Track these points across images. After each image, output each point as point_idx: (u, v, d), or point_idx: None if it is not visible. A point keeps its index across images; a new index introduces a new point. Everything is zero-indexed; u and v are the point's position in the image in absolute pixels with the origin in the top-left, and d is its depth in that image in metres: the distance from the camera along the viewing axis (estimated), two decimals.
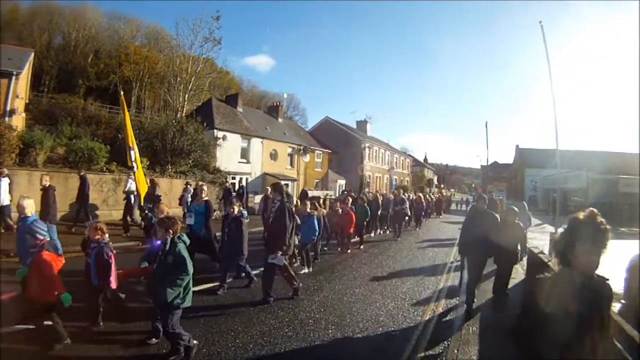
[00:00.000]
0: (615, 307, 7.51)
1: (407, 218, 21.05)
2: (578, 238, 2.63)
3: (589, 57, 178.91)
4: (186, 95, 37.69)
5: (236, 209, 9.01)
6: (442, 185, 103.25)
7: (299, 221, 10.07)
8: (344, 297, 8.67)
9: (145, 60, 42.29)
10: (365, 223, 15.98)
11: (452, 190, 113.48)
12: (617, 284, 8.32)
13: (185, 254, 5.19)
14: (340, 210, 14.27)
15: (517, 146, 58.39)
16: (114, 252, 6.25)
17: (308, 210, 11.15)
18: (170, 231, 5.32)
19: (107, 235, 6.28)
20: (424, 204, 25.64)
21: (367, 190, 35.03)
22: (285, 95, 65.25)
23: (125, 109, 14.01)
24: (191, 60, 38.16)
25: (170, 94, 37.80)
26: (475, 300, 8.16)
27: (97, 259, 6.00)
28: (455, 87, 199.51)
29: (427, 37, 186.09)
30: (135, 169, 13.07)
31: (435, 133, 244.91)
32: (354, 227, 14.29)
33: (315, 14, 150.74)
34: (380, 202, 19.15)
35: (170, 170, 22.04)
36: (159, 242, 8.59)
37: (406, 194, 24.58)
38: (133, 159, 13.11)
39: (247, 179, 31.96)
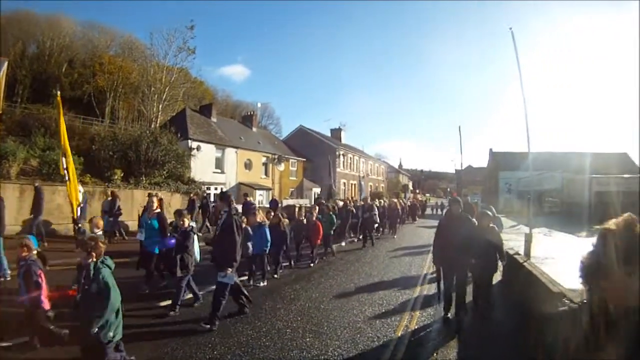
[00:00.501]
0: None
1: (376, 225, 19.99)
2: (611, 256, 1.89)
3: (561, 58, 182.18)
4: (160, 106, 37.60)
5: (186, 222, 8.48)
6: (417, 191, 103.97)
7: (250, 231, 10.16)
8: (321, 305, 8.66)
9: (120, 70, 41.60)
10: (332, 232, 15.39)
11: (428, 195, 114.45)
12: None
13: (110, 280, 4.74)
14: (305, 220, 13.90)
15: (490, 150, 59.11)
16: (43, 269, 5.89)
17: (258, 219, 10.74)
18: (93, 254, 4.89)
19: (34, 252, 5.93)
20: (399, 210, 25.21)
21: (336, 197, 34.94)
22: (259, 105, 65.15)
23: (61, 112, 13.64)
24: (165, 70, 38.11)
25: (145, 104, 37.69)
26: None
27: (25, 278, 5.71)
28: (430, 92, 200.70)
29: (404, 43, 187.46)
30: (66, 178, 12.59)
31: (410, 139, 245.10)
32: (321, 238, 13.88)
33: (291, 23, 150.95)
34: (352, 209, 18.95)
35: (144, 181, 21.96)
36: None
37: (379, 201, 24.39)
38: (65, 167, 12.62)
39: (221, 189, 31.83)
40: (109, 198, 16.14)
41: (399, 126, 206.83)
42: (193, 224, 10.08)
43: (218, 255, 7.37)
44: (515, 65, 14.85)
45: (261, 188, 36.04)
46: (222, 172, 33.65)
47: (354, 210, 19.12)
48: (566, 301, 5.07)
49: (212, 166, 32.41)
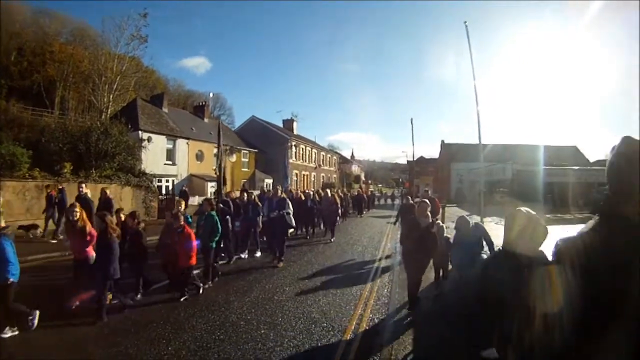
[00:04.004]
0: None
1: (291, 230, 14.31)
2: None
3: (514, 54, 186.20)
4: (111, 96, 36.90)
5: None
6: (369, 181, 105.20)
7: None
8: (274, 296, 8.67)
9: (70, 58, 40.55)
10: (214, 244, 9.78)
11: (380, 185, 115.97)
12: None
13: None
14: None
15: (442, 141, 60.95)
16: None
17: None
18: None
19: None
20: (337, 205, 19.00)
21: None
22: (211, 95, 64.89)
23: None
24: (117, 59, 37.37)
25: (95, 94, 37.01)
26: None
27: None
28: (383, 85, 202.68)
29: (359, 37, 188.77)
30: None
31: (362, 131, 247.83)
32: (194, 253, 8.65)
33: (251, 15, 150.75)
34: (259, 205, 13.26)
35: (94, 174, 21.82)
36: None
37: (303, 193, 19.37)
38: None
39: (173, 181, 32.10)
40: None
41: (352, 118, 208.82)
42: None
43: None
44: (469, 61, 15.94)
45: (213, 180, 36.19)
46: (174, 164, 33.50)
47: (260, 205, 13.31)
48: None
49: (163, 158, 32.18)
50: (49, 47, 41.23)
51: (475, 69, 15.68)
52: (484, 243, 8.16)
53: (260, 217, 13.12)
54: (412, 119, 43.26)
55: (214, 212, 10.10)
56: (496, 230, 8.05)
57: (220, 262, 11.46)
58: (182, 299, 8.25)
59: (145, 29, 38.50)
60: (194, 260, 8.60)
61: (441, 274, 9.26)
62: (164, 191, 29.24)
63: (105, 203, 12.92)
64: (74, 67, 40.85)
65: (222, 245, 11.42)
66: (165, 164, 32.29)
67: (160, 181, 29.88)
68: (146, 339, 6.25)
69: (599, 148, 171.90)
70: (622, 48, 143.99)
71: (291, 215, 12.84)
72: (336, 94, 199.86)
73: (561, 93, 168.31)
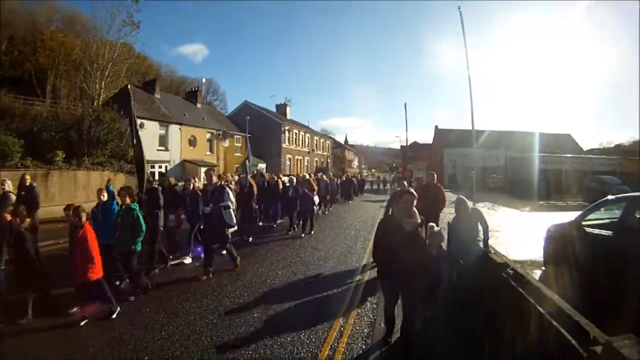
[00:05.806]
0: (536, 273, 8.56)
1: (231, 230, 9.71)
2: None
3: (510, 41, 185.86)
4: (103, 83, 36.79)
5: None
6: (362, 166, 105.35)
7: None
8: (267, 280, 8.69)
9: (62, 46, 39.63)
10: (138, 247, 7.71)
11: (373, 170, 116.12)
12: (538, 252, 9.53)
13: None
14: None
15: (436, 127, 61.24)
16: None
17: None
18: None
19: None
20: (313, 190, 15.23)
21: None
22: (203, 80, 64.63)
23: None
24: (108, 46, 37.26)
25: (87, 82, 36.80)
26: None
27: None
28: (377, 70, 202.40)
29: (350, 24, 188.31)
30: None
31: (356, 116, 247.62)
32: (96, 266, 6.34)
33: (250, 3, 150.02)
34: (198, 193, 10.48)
35: (86, 161, 21.92)
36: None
37: (274, 177, 16.81)
38: None
39: (166, 167, 32.23)
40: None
41: (345, 103, 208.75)
42: None
43: None
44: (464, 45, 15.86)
45: (206, 165, 36.25)
46: (167, 150, 33.55)
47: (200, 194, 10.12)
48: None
49: (155, 144, 32.18)
50: (40, 36, 40.55)
51: (470, 55, 15.70)
52: (480, 228, 7.66)
53: (200, 210, 9.64)
54: (405, 104, 43.65)
55: (134, 205, 7.78)
56: (489, 218, 8.07)
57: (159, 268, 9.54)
58: (112, 316, 6.53)
59: (142, 15, 38.41)
60: (95, 273, 6.28)
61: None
62: (157, 177, 29.18)
63: (28, 194, 10.46)
64: (65, 54, 40.28)
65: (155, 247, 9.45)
66: (158, 150, 32.34)
67: (153, 167, 29.83)
68: (140, 325, 6.25)
69: (592, 136, 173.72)
70: (616, 33, 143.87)
71: (231, 211, 9.32)
72: (330, 80, 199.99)
73: (556, 80, 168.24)
